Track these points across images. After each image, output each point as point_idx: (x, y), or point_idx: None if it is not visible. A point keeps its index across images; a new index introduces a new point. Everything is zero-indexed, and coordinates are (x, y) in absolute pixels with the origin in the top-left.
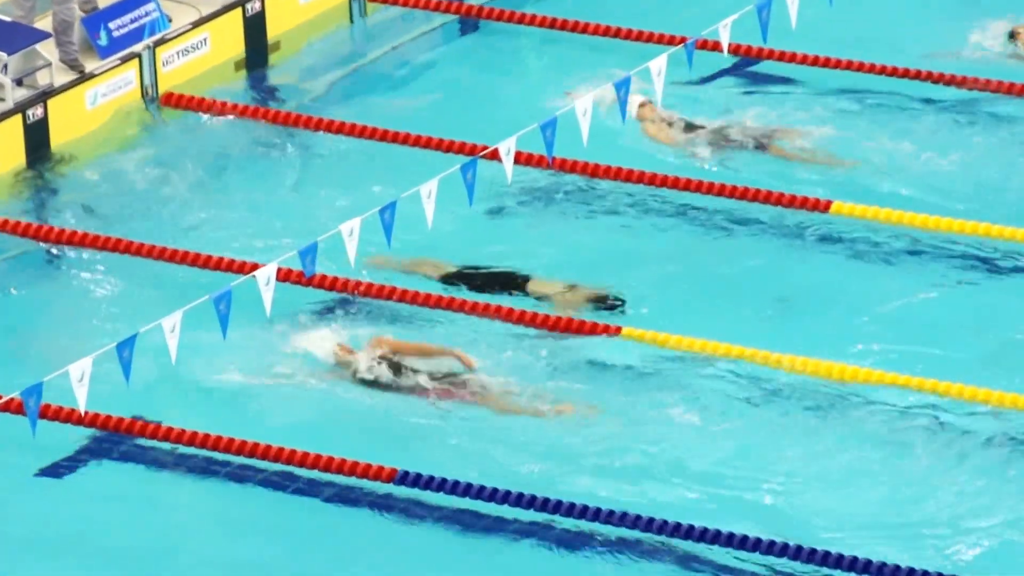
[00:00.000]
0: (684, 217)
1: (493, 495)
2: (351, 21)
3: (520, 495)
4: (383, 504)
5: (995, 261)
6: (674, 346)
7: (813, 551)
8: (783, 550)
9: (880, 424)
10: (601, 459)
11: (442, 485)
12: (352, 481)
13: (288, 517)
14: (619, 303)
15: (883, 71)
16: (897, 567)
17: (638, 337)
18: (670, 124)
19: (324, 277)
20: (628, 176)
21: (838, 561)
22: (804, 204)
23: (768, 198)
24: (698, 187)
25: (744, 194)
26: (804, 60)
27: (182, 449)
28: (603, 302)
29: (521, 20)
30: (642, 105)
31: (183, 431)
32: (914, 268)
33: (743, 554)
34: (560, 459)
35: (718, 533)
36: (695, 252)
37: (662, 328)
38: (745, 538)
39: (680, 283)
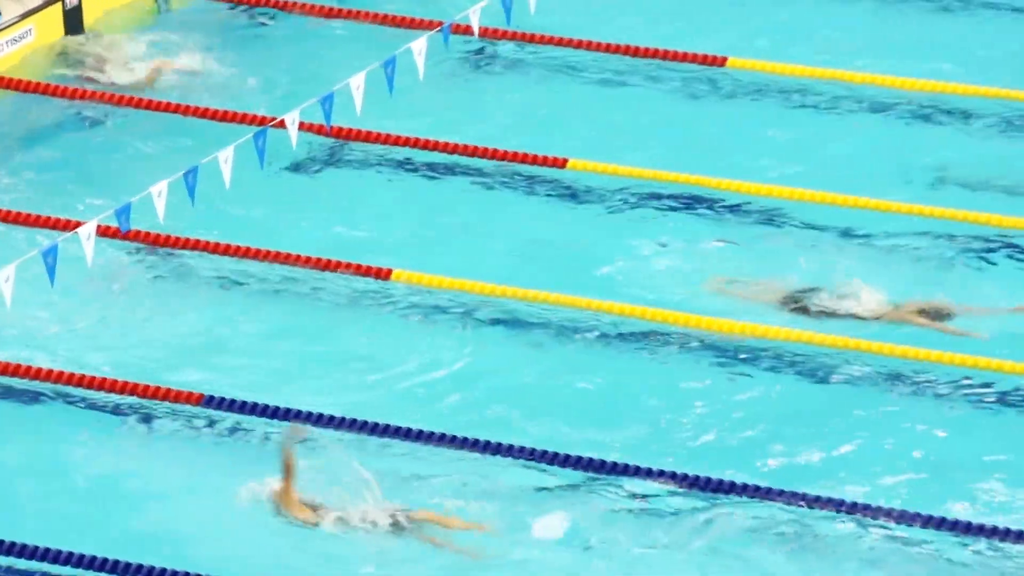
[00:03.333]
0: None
1: None
2: (158, 11)
3: None
4: None
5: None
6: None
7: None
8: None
9: None
10: None
11: None
12: None
13: None
14: None
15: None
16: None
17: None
18: None
19: (138, 232)
20: (396, 141)
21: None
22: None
23: (515, 158)
24: (474, 151)
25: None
26: (551, 41)
27: None
28: None
29: (286, 7)
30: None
31: None
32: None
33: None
34: None
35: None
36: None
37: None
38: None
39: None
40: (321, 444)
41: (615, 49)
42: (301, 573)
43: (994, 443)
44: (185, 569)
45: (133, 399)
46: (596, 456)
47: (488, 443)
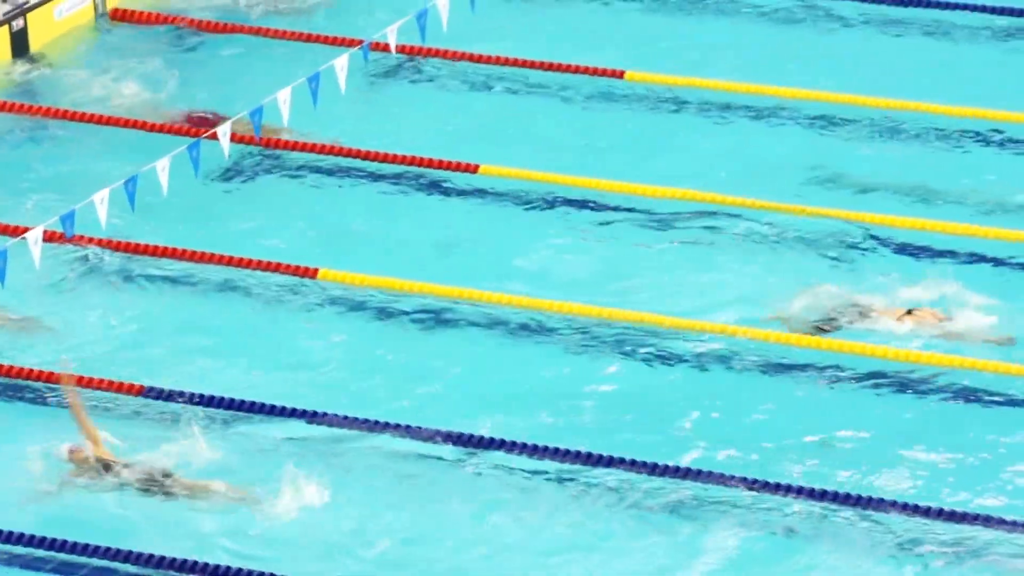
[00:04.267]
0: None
1: None
2: (98, 33)
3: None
4: None
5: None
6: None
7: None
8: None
9: None
10: None
11: None
12: None
13: None
14: None
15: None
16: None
17: None
18: None
19: (81, 237)
20: (321, 149)
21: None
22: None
23: (430, 164)
24: (393, 159)
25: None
26: (463, 57)
27: None
28: None
29: (219, 29)
30: None
31: None
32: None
33: None
34: None
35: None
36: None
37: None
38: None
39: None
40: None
41: (523, 64)
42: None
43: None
44: None
45: None
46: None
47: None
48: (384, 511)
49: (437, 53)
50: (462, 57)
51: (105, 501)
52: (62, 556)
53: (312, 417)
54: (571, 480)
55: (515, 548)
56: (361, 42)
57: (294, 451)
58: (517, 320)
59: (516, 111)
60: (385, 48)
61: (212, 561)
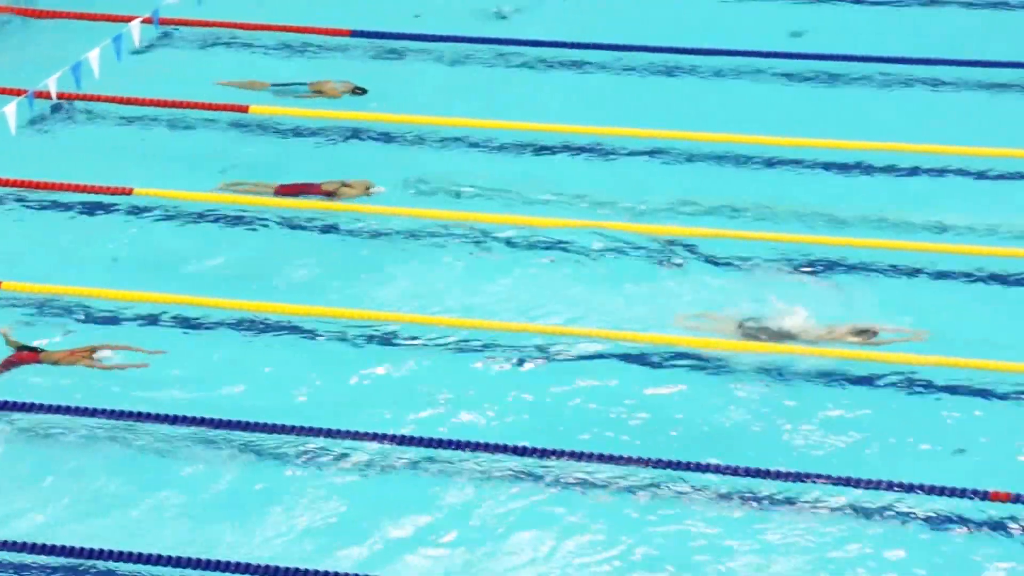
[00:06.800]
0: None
1: None
2: None
3: None
4: None
5: None
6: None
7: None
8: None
9: None
10: None
11: None
12: None
13: None
14: None
15: None
16: None
17: None
18: None
19: None
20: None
21: None
22: None
23: (86, 189)
24: (60, 187)
25: None
26: (116, 100)
27: None
28: None
29: None
30: None
31: None
32: None
33: None
34: None
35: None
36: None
37: None
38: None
39: None
40: None
41: (160, 104)
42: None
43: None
44: None
45: None
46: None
47: None
48: None
49: (94, 98)
50: (115, 100)
51: None
52: None
53: None
54: None
55: None
56: (26, 91)
57: None
58: None
59: (166, 140)
60: (48, 95)
61: None
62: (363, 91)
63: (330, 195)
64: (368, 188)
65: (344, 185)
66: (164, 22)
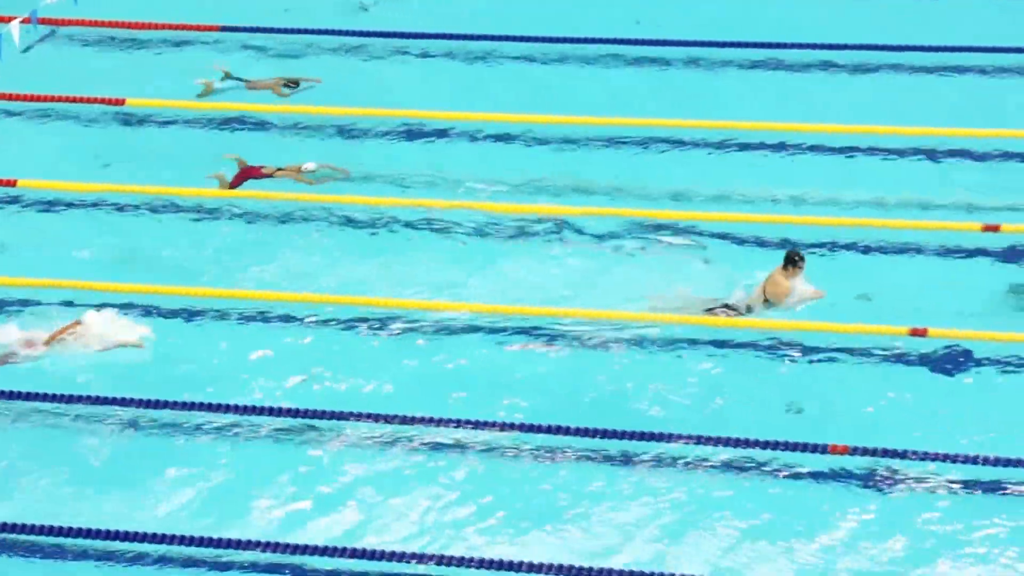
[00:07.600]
0: None
1: None
2: None
3: None
4: None
5: None
6: None
7: None
8: None
9: None
10: None
11: None
12: None
13: None
14: None
15: None
16: None
17: None
18: None
19: None
20: None
21: None
22: None
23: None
24: None
25: None
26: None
27: None
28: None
29: None
30: None
31: None
32: None
33: None
34: None
35: None
36: None
37: None
38: None
39: None
40: None
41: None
42: None
43: None
44: None
45: None
46: None
47: None
48: None
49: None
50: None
51: None
52: None
53: None
54: None
55: None
56: None
57: None
58: None
59: (42, 133)
60: None
61: None
62: (295, 83)
63: (269, 176)
64: (300, 169)
65: (279, 170)
66: (44, 21)
